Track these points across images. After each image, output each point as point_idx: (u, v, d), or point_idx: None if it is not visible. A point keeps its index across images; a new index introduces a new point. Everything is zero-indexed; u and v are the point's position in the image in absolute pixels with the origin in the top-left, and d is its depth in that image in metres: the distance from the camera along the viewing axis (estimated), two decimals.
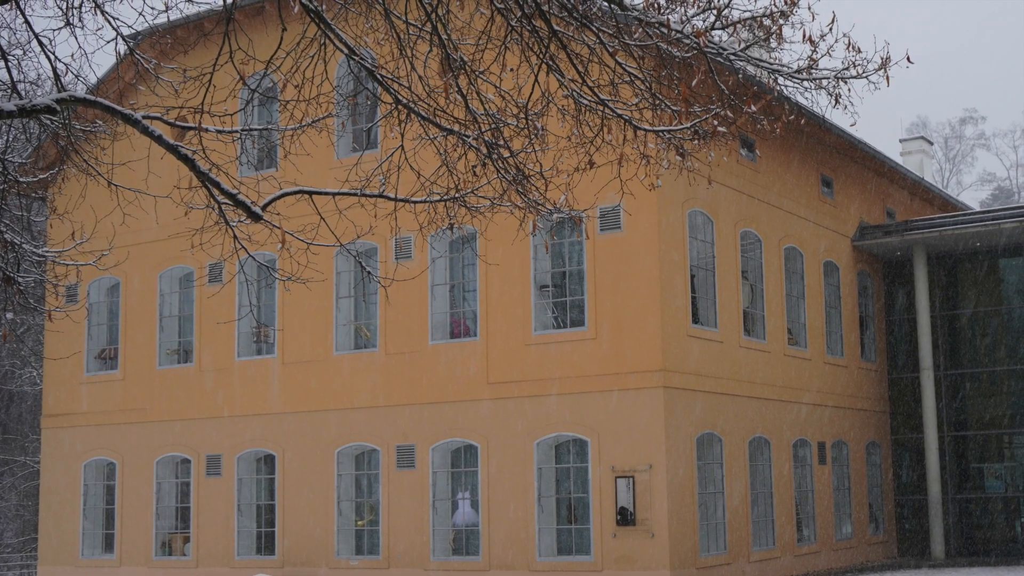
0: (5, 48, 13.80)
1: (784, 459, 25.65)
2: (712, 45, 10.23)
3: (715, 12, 10.54)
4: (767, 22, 10.66)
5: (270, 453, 25.92)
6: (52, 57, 9.99)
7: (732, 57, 10.78)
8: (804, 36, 10.32)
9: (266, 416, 25.81)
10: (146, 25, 9.92)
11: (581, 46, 9.26)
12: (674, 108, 9.54)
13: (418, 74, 9.28)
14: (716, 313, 23.87)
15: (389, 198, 9.97)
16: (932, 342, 29.75)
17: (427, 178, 10.39)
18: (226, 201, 9.05)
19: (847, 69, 10.71)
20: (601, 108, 9.25)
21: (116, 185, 12.16)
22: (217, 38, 8.98)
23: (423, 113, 8.97)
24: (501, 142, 9.36)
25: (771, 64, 11.04)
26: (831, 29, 10.43)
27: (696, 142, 9.79)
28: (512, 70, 9.54)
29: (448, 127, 9.10)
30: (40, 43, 10.05)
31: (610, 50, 9.04)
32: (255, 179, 18.90)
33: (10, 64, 11.01)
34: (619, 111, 9.25)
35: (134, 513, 27.27)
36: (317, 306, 25.06)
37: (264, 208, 8.98)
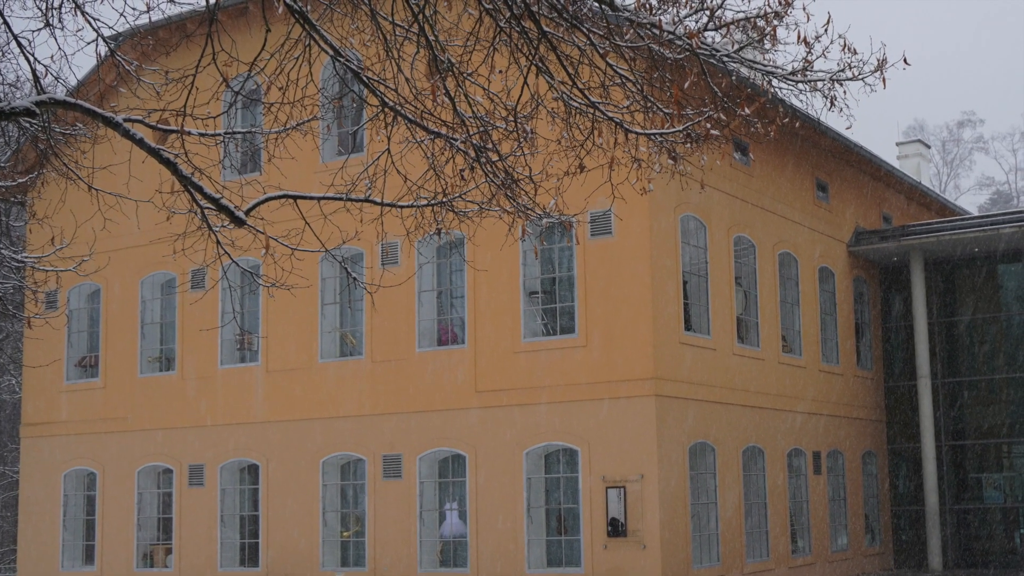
0: None
1: (778, 469, 25.40)
2: (705, 47, 10.06)
3: (708, 13, 10.42)
4: (761, 23, 10.53)
5: (254, 463, 25.59)
6: (31, 59, 9.87)
7: (725, 59, 10.63)
8: (799, 37, 10.21)
9: (250, 425, 25.49)
10: (127, 26, 9.80)
11: (571, 47, 9.16)
12: (666, 111, 9.38)
13: (405, 76, 9.17)
14: (709, 320, 23.62)
15: (375, 203, 9.86)
16: (929, 349, 29.49)
17: (414, 182, 10.34)
18: (209, 206, 8.90)
19: (843, 71, 10.61)
20: (591, 111, 9.12)
21: (97, 189, 12.04)
22: (200, 39, 8.84)
23: (410, 116, 8.88)
24: (489, 145, 9.21)
25: (765, 66, 10.88)
26: (826, 30, 10.32)
27: (688, 145, 9.60)
28: (501, 72, 9.38)
29: (435, 130, 8.99)
30: (19, 44, 9.92)
31: (601, 52, 8.94)
32: (238, 183, 18.65)
33: None
34: (610, 114, 9.12)
35: (115, 524, 26.91)
36: (302, 313, 24.77)
37: (248, 213, 8.86)
